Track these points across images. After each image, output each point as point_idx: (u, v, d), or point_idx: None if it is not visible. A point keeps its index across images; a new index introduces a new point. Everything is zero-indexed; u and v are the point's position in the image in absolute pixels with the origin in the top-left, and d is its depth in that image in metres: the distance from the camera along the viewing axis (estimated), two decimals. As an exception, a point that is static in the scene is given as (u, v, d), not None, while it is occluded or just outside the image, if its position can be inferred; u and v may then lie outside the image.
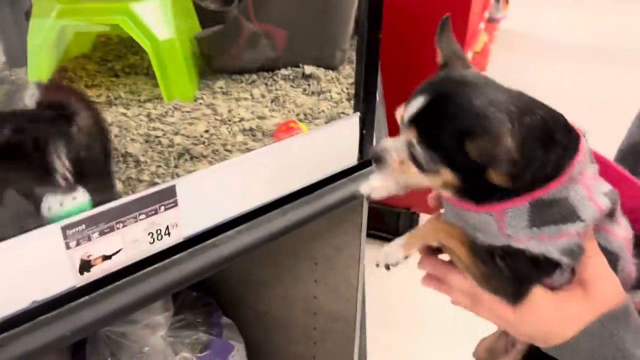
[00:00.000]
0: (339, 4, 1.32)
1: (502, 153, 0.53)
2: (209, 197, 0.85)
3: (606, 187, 0.61)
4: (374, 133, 1.05)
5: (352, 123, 1.01)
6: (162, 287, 0.80)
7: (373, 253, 0.72)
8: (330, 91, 1.23)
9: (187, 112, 1.16)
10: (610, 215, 0.61)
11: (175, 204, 0.80)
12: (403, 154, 0.60)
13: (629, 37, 4.87)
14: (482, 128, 0.54)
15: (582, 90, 3.75)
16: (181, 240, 0.83)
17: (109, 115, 1.11)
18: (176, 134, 1.08)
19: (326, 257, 1.23)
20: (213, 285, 1.39)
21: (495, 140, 0.53)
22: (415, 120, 0.58)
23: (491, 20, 3.64)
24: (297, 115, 1.16)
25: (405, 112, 0.59)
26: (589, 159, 0.60)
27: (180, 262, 0.83)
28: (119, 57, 1.44)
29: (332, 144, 1.01)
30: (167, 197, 0.78)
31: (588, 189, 0.58)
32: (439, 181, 0.59)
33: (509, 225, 0.58)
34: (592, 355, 0.59)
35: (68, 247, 0.71)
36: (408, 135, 0.59)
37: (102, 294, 0.76)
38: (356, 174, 1.04)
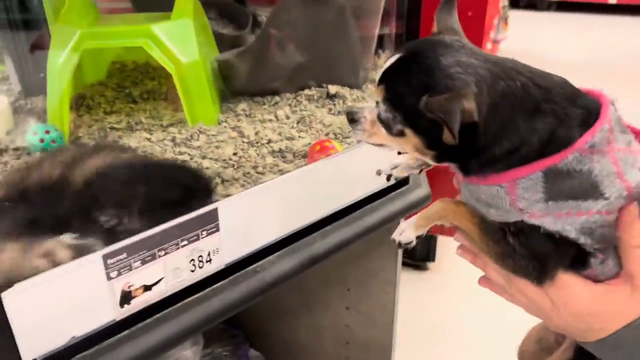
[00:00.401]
0: (360, 25, 1.30)
1: (454, 113, 0.50)
2: (249, 220, 0.81)
3: None
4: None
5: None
6: (204, 319, 0.75)
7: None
8: (358, 110, 1.19)
9: (213, 135, 1.12)
10: None
11: (217, 229, 0.75)
12: (373, 116, 0.60)
13: (628, 54, 4.91)
14: (442, 86, 0.53)
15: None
16: (222, 267, 0.78)
17: (133, 141, 1.07)
18: (204, 157, 1.04)
19: (360, 282, 1.18)
20: (239, 315, 1.33)
21: (452, 99, 0.51)
22: (383, 79, 0.58)
23: (493, 42, 3.66)
24: (327, 134, 1.12)
25: (378, 72, 0.59)
26: (618, 129, 0.55)
27: (222, 290, 0.78)
28: (135, 83, 1.41)
29: (369, 163, 0.97)
30: (209, 221, 0.74)
31: (616, 163, 0.54)
32: (408, 144, 0.58)
33: (521, 197, 0.55)
34: (631, 352, 0.56)
35: (109, 278, 0.66)
36: (377, 94, 0.59)
37: (142, 328, 0.71)
38: (393, 193, 1.00)
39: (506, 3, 4.40)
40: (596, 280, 0.58)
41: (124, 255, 0.66)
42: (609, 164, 0.53)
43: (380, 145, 0.62)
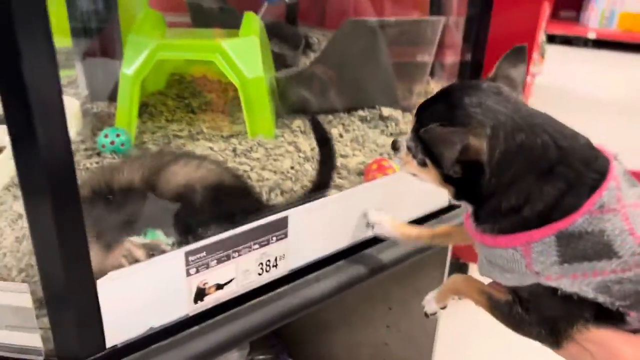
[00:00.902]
0: (414, 52, 1.35)
1: (450, 144, 0.54)
2: (314, 230, 0.84)
3: None
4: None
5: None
6: (267, 321, 0.78)
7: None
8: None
9: (271, 148, 1.17)
10: None
11: (285, 236, 0.79)
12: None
13: (665, 95, 4.87)
14: (458, 121, 0.56)
15: (617, 145, 3.73)
16: (287, 272, 0.82)
17: (197, 149, 1.13)
18: (263, 169, 1.09)
19: (403, 301, 1.20)
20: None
21: (457, 133, 0.55)
22: (417, 113, 0.63)
23: (531, 75, 3.68)
24: (381, 154, 1.16)
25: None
26: (626, 184, 0.56)
27: (284, 295, 0.81)
28: (193, 94, 1.47)
29: (424, 184, 1.00)
30: (279, 228, 0.78)
31: (627, 220, 0.55)
32: (430, 175, 0.63)
33: (536, 261, 0.56)
34: None
35: (188, 274, 0.70)
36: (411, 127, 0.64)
37: (211, 325, 0.75)
38: (446, 215, 1.03)
39: (544, 38, 4.43)
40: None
41: (204, 253, 0.70)
42: (620, 222, 0.54)
43: (414, 175, 0.67)
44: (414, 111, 0.64)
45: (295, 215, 0.79)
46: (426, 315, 0.77)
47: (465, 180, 0.59)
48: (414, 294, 1.18)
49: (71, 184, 0.57)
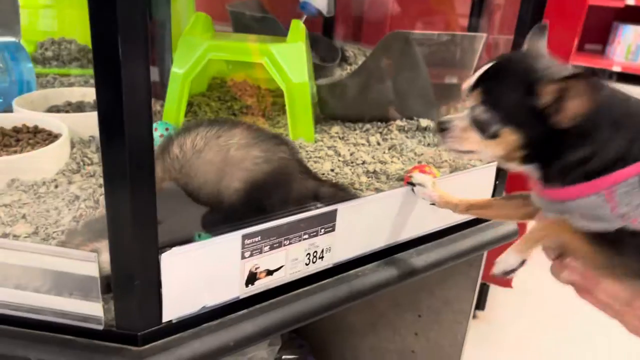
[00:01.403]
0: (455, 66, 1.38)
1: (577, 91, 0.54)
2: (360, 227, 0.87)
3: None
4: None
5: (486, 173, 1.03)
6: (312, 310, 0.81)
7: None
8: (449, 144, 1.26)
9: (311, 151, 1.20)
10: None
11: (333, 229, 0.82)
12: (465, 122, 0.63)
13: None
14: (553, 75, 0.57)
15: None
16: (331, 265, 0.84)
17: (242, 147, 1.16)
18: (305, 170, 1.12)
19: (432, 309, 1.21)
20: (307, 327, 1.38)
21: (568, 82, 0.55)
22: (478, 85, 0.61)
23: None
24: (419, 162, 1.18)
25: (468, 81, 0.63)
26: None
27: (327, 287, 0.83)
28: (234, 98, 1.52)
29: (465, 191, 1.02)
30: (328, 220, 0.80)
31: None
32: (500, 146, 0.61)
33: (622, 203, 0.56)
34: None
35: (243, 257, 0.73)
36: (471, 102, 0.62)
37: (259, 309, 0.77)
38: (484, 224, 1.05)
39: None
40: None
41: (259, 238, 0.73)
42: None
43: (469, 152, 0.65)
44: (469, 85, 0.63)
45: (344, 210, 0.82)
46: (504, 273, 0.67)
47: (547, 138, 0.59)
48: (444, 304, 1.19)
49: (149, 168, 0.60)
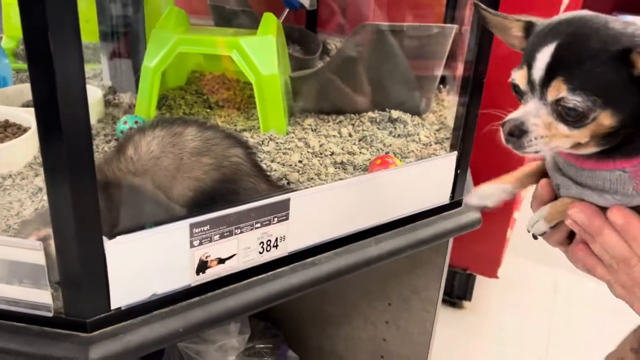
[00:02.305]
0: (427, 65, 1.39)
1: None
2: (314, 215, 0.88)
3: None
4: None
5: (447, 162, 1.04)
6: (265, 298, 0.82)
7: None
8: (418, 134, 1.27)
9: (281, 143, 1.22)
10: None
11: (287, 218, 0.83)
12: (547, 117, 0.55)
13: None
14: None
15: None
16: (286, 254, 0.86)
17: (211, 139, 1.18)
18: (272, 161, 1.13)
19: (402, 298, 1.23)
20: (281, 317, 1.40)
21: None
22: (556, 70, 0.52)
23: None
24: (387, 153, 1.20)
25: (532, 71, 0.54)
26: None
27: (282, 275, 0.85)
28: (212, 91, 1.53)
29: (426, 180, 1.04)
30: (281, 209, 0.82)
31: None
32: (589, 133, 0.54)
33: None
34: None
35: (192, 246, 0.74)
36: (552, 92, 0.53)
37: (212, 297, 0.79)
38: (447, 212, 1.06)
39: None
40: None
41: (207, 227, 0.75)
42: None
43: (550, 149, 0.58)
44: (539, 76, 0.54)
45: (297, 199, 0.83)
46: (534, 236, 0.67)
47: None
48: (412, 292, 1.21)
49: (88, 160, 0.62)
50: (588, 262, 0.64)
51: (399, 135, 1.29)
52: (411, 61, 1.37)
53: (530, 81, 0.55)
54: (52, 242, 0.67)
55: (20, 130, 1.09)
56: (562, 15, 0.56)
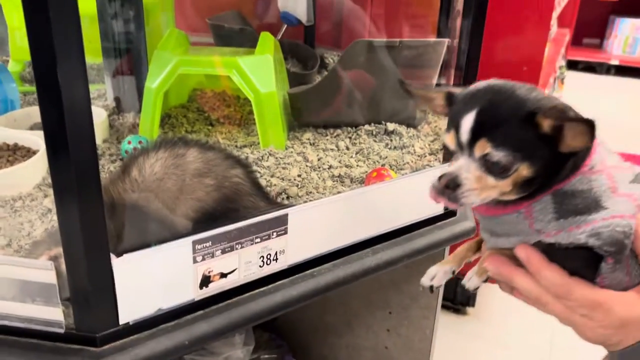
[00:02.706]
0: (421, 74, 1.43)
1: (574, 115, 0.58)
2: (312, 229, 0.92)
3: (631, 173, 0.63)
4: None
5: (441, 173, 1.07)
6: (266, 310, 0.85)
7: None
8: (413, 146, 1.31)
9: (281, 158, 1.25)
10: None
11: (285, 232, 0.87)
12: (476, 171, 0.61)
13: (687, 123, 4.84)
14: (544, 106, 0.58)
15: None
16: (285, 267, 0.89)
17: (212, 156, 1.22)
18: (272, 176, 1.17)
19: (401, 306, 1.26)
20: (285, 327, 1.43)
21: (561, 110, 0.58)
22: (479, 132, 0.60)
23: (548, 99, 3.72)
24: (383, 165, 1.23)
25: (459, 134, 0.61)
26: (606, 149, 0.63)
27: (283, 287, 0.88)
28: (213, 109, 1.57)
29: (421, 192, 1.07)
30: (280, 224, 0.85)
31: (611, 178, 0.61)
32: (509, 183, 0.61)
33: (537, 220, 0.62)
34: None
35: (195, 261, 0.78)
36: (478, 150, 0.60)
37: (215, 310, 0.82)
38: (441, 222, 1.09)
39: (563, 63, 4.47)
40: (608, 286, 0.63)
41: (209, 243, 0.78)
42: (605, 180, 0.61)
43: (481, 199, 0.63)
44: (466, 138, 0.61)
45: (295, 213, 0.87)
46: (469, 290, 0.74)
47: (553, 163, 0.60)
48: (411, 300, 1.24)
49: (95, 180, 0.66)
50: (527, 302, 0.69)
51: (394, 147, 1.32)
52: (405, 74, 1.41)
53: (459, 142, 0.62)
54: (62, 261, 0.71)
55: (29, 152, 1.13)
56: (478, 84, 0.65)
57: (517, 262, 0.67)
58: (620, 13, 6.24)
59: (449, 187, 0.63)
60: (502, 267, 0.67)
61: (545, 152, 0.59)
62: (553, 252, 0.64)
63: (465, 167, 0.62)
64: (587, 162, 0.61)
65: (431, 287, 0.77)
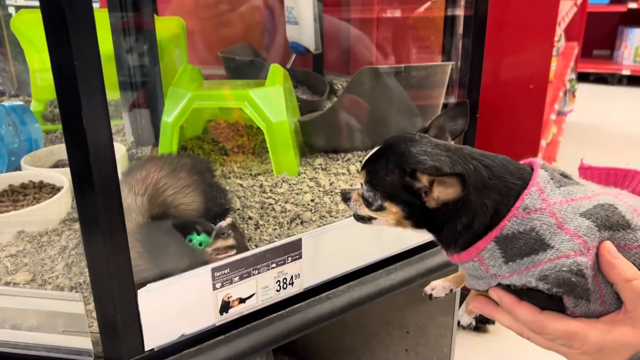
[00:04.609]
0: (427, 94, 1.47)
1: (449, 172, 0.63)
2: (326, 252, 0.95)
3: (589, 204, 0.64)
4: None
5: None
6: (284, 333, 0.88)
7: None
8: (422, 168, 1.34)
9: (294, 184, 1.29)
10: (624, 226, 0.63)
11: (300, 256, 0.90)
12: (358, 195, 0.73)
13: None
14: (415, 167, 0.64)
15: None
16: (302, 290, 0.92)
17: (229, 185, 1.26)
18: (286, 202, 1.21)
19: (418, 325, 1.27)
20: (305, 350, 1.45)
21: (437, 168, 0.64)
22: (365, 166, 0.71)
23: (559, 114, 3.73)
24: (394, 188, 1.26)
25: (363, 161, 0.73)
26: (551, 186, 0.65)
27: (299, 310, 0.91)
28: (227, 139, 1.63)
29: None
30: (294, 249, 0.89)
31: (554, 216, 0.63)
32: (389, 216, 0.70)
33: (490, 265, 0.65)
34: None
35: (215, 288, 0.81)
36: (360, 178, 0.72)
37: (235, 334, 0.85)
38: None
39: (573, 76, 4.49)
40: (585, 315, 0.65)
41: (227, 270, 0.82)
42: (547, 218, 0.63)
43: (367, 219, 0.74)
44: (361, 166, 0.73)
45: (308, 238, 0.90)
46: (464, 327, 0.83)
47: (426, 213, 0.67)
48: (428, 319, 1.25)
49: (119, 215, 0.70)
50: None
51: (405, 169, 1.35)
52: (412, 96, 1.44)
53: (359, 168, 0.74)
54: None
55: (54, 189, 1.19)
56: (408, 134, 0.72)
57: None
58: (629, 24, 6.25)
59: (345, 198, 0.77)
60: (484, 308, 0.72)
61: (412, 200, 0.66)
62: (522, 292, 0.66)
63: (357, 189, 0.74)
64: (516, 205, 0.64)
65: (430, 296, 0.84)
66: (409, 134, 0.71)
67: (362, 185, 0.71)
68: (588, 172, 0.73)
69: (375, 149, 0.71)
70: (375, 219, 0.73)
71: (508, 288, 0.67)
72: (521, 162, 0.70)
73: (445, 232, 0.68)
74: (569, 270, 0.61)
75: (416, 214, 0.68)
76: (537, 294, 0.65)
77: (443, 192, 0.64)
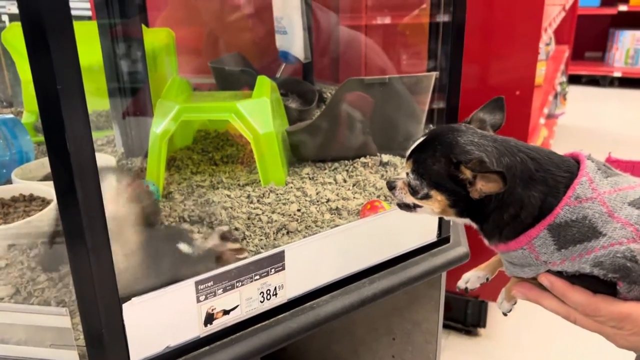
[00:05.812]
0: (412, 104, 1.49)
1: (492, 169, 0.66)
2: (309, 263, 0.97)
3: (634, 194, 0.67)
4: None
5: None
6: (268, 343, 0.90)
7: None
8: (407, 177, 1.36)
9: (281, 194, 1.32)
10: None
11: (283, 268, 0.92)
12: (404, 181, 0.77)
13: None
14: (464, 158, 0.68)
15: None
16: (285, 301, 0.94)
17: (216, 196, 1.28)
18: (273, 212, 1.23)
19: (404, 331, 1.30)
20: (294, 359, 1.47)
21: (481, 162, 0.67)
22: (412, 155, 0.74)
23: (550, 117, 3.76)
24: (378, 196, 1.29)
25: (408, 150, 0.76)
26: (599, 176, 0.68)
27: (283, 320, 0.93)
28: (217, 148, 1.65)
29: (414, 221, 1.12)
30: (277, 261, 0.91)
31: (605, 204, 0.66)
32: (434, 204, 0.73)
33: (540, 252, 0.69)
34: None
35: (198, 300, 0.83)
36: (406, 168, 0.75)
37: (220, 345, 0.87)
38: (436, 249, 1.14)
39: (564, 79, 4.52)
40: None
41: (211, 283, 0.84)
42: (599, 207, 0.66)
43: (412, 207, 0.78)
44: (407, 155, 0.76)
45: (291, 250, 0.92)
46: (504, 314, 0.85)
47: (471, 203, 0.70)
48: (413, 325, 1.27)
49: (103, 228, 0.72)
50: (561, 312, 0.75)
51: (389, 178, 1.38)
52: (397, 107, 1.47)
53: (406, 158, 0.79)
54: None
55: (44, 202, 1.21)
56: (454, 125, 0.76)
57: (541, 287, 0.74)
58: (619, 26, 6.31)
59: (390, 187, 0.79)
60: (530, 293, 0.76)
61: (458, 190, 0.69)
62: (573, 277, 0.70)
63: (403, 177, 0.78)
64: (568, 194, 0.67)
65: (466, 289, 0.87)
66: (455, 125, 0.74)
67: (407, 174, 0.74)
68: (615, 165, 0.76)
69: (421, 138, 0.74)
70: (420, 207, 0.76)
71: (559, 274, 0.70)
72: (565, 154, 0.73)
73: (491, 222, 0.71)
74: (623, 256, 0.65)
75: (461, 203, 0.71)
76: (589, 279, 0.68)
77: (486, 186, 0.67)
